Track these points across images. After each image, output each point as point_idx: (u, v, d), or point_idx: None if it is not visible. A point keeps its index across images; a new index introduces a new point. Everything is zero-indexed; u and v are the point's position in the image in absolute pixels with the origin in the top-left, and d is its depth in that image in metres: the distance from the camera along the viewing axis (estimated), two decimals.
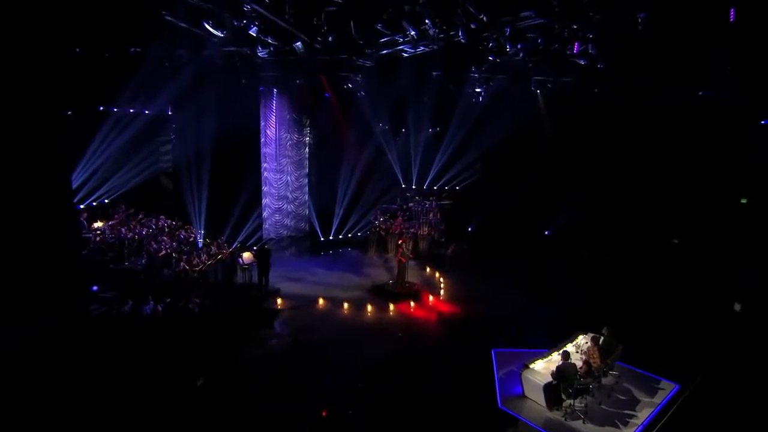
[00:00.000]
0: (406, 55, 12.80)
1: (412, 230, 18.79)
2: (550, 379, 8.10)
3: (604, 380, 9.04)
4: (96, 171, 14.26)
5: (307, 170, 19.82)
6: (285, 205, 18.97)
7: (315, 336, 10.77)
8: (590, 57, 10.96)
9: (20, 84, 9.33)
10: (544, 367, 8.58)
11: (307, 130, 19.52)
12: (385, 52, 12.61)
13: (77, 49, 11.72)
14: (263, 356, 9.95)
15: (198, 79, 14.20)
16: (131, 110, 15.63)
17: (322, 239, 19.36)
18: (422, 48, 12.11)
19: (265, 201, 18.48)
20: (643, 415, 8.10)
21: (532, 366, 8.58)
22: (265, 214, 18.78)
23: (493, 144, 19.13)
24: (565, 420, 7.93)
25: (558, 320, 11.40)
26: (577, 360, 8.55)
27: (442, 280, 14.74)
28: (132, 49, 11.79)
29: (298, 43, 11.20)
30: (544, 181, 18.13)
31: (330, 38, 10.57)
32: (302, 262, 16.43)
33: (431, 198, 20.60)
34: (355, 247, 18.61)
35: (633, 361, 9.62)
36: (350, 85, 16.62)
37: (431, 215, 19.73)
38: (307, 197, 19.92)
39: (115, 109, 15.23)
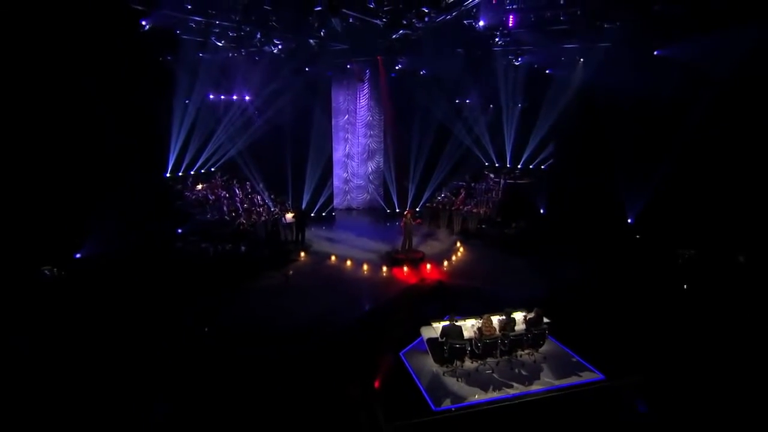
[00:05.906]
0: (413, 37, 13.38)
1: (467, 208, 18.97)
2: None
3: (526, 357, 8.83)
4: (201, 146, 18.73)
5: (382, 146, 21.75)
6: (363, 172, 22.05)
7: (301, 281, 12.84)
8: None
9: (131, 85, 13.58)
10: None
11: (381, 109, 21.33)
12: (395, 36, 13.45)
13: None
14: (252, 288, 12.41)
15: (272, 66, 17.41)
16: (233, 98, 19.86)
17: (388, 211, 21.11)
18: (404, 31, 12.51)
19: (345, 172, 21.90)
20: (522, 389, 7.85)
21: (435, 324, 8.97)
22: (343, 185, 21.92)
23: (564, 119, 17.71)
24: (443, 375, 8.26)
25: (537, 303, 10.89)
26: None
27: (459, 254, 14.97)
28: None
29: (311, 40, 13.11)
30: (627, 159, 15.85)
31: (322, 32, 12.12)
32: (353, 228, 18.42)
33: (502, 176, 20.15)
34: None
35: (586, 352, 8.94)
36: (400, 65, 17.66)
37: (492, 194, 19.45)
38: (382, 171, 21.90)
39: (222, 97, 19.59)
